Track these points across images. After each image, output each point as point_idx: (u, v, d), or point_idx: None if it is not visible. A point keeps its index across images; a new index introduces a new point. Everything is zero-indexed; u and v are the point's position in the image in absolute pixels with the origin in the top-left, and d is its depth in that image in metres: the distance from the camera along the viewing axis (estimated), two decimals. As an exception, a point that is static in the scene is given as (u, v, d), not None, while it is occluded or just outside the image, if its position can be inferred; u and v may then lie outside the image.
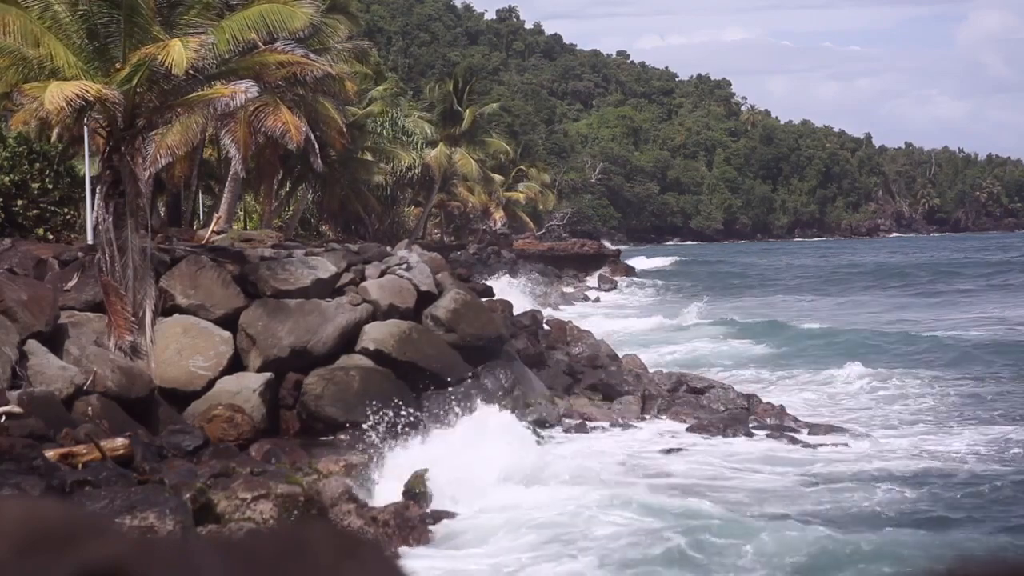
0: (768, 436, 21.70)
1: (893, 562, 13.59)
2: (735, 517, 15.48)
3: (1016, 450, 20.35)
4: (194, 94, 21.04)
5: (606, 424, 22.90)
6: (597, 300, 62.57)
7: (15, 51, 20.58)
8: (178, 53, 19.36)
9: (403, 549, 14.36)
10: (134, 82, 20.33)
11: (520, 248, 77.60)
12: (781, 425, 22.62)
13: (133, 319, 20.63)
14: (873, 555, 13.87)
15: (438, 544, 14.88)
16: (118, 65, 20.59)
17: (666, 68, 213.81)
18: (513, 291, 44.81)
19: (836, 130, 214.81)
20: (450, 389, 21.82)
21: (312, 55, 28.04)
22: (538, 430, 20.89)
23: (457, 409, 19.81)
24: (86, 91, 19.44)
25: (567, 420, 22.85)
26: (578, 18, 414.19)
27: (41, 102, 19.75)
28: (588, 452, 19.88)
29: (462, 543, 14.84)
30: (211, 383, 21.06)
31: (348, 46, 42.06)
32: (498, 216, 78.95)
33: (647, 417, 23.80)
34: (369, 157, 53.08)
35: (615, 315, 50.78)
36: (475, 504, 16.21)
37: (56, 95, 19.21)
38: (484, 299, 27.41)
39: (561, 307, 53.55)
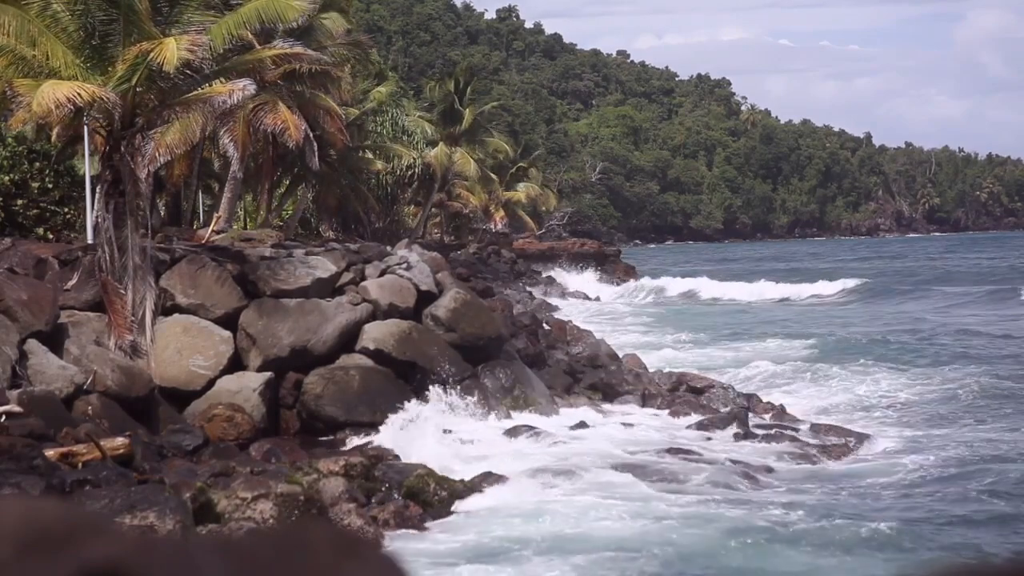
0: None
1: (895, 561, 13.59)
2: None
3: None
4: (192, 93, 21.05)
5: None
6: (598, 298, 62.61)
7: (13, 50, 20.56)
8: (170, 51, 19.39)
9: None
10: (133, 81, 20.33)
11: (520, 248, 77.57)
12: (782, 425, 22.62)
13: (133, 318, 20.63)
14: (877, 553, 13.88)
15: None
16: (118, 64, 20.58)
17: (666, 68, 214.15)
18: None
19: (836, 129, 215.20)
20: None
21: (308, 50, 28.17)
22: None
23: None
24: (78, 94, 19.40)
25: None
26: (574, 16, 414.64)
27: (30, 102, 19.75)
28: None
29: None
30: (211, 382, 21.05)
31: (347, 41, 42.09)
32: (498, 216, 78.94)
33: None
34: (369, 155, 53.13)
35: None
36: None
37: (47, 97, 19.16)
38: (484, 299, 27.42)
39: (557, 305, 53.56)
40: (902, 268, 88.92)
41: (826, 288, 63.09)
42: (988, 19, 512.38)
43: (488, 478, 17.18)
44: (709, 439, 21.45)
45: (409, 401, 21.06)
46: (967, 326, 41.20)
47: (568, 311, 48.07)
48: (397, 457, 18.29)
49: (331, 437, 20.76)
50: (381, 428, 20.39)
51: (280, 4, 22.38)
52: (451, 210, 73.59)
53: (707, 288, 65.52)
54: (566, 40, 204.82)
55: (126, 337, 20.40)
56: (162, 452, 17.87)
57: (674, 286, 67.40)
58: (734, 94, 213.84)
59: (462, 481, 16.92)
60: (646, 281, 70.68)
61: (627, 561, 13.60)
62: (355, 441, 20.16)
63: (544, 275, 69.34)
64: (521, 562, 13.82)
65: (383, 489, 16.75)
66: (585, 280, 70.64)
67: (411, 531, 15.42)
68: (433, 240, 65.97)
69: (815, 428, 22.23)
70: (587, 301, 60.92)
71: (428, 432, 19.79)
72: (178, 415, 20.13)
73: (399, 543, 14.37)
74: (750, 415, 23.31)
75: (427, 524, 15.71)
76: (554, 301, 56.36)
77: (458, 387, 21.72)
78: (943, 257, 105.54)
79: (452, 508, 16.24)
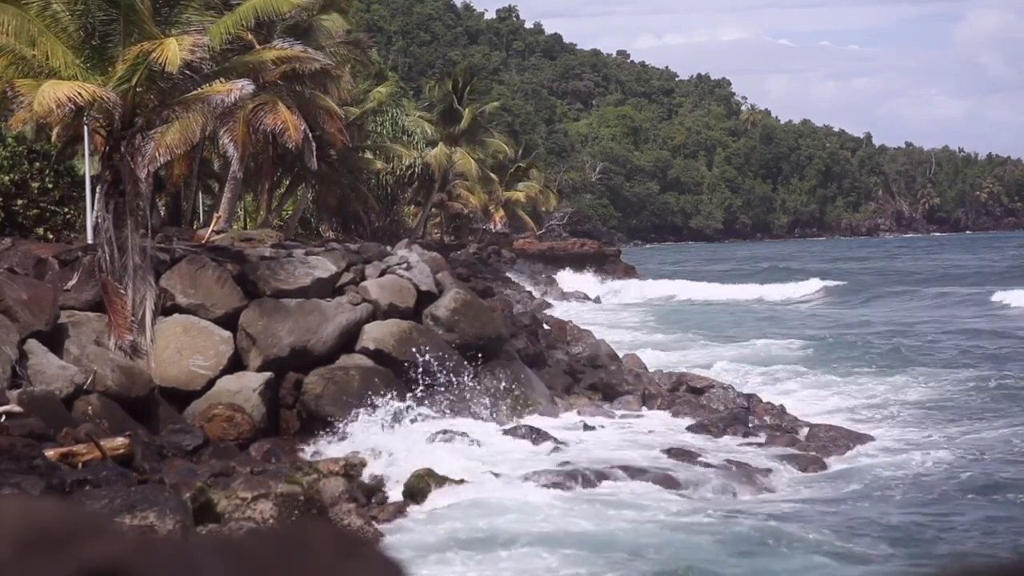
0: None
1: (897, 561, 13.60)
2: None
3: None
4: (191, 92, 21.04)
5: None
6: (597, 299, 62.59)
7: (14, 50, 20.56)
8: (172, 51, 19.39)
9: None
10: (133, 81, 20.33)
11: (520, 248, 77.57)
12: (782, 426, 22.59)
13: (133, 318, 20.63)
14: (879, 554, 13.89)
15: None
16: (118, 64, 20.58)
17: (666, 68, 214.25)
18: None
19: (836, 129, 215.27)
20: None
21: (309, 50, 28.17)
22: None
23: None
24: (79, 93, 19.39)
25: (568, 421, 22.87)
26: (574, 16, 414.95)
27: (31, 102, 19.74)
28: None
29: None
30: (211, 382, 21.04)
31: (347, 41, 42.08)
32: (498, 216, 78.93)
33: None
34: (369, 155, 53.12)
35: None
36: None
37: (47, 96, 19.15)
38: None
39: (556, 305, 53.60)
40: (901, 267, 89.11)
41: (824, 287, 63.15)
42: (988, 19, 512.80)
43: (487, 477, 17.19)
44: (709, 440, 21.44)
45: (409, 401, 21.05)
46: (965, 325, 41.25)
47: (568, 311, 48.11)
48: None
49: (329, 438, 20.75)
50: (382, 428, 20.39)
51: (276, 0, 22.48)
52: (451, 210, 73.56)
53: (703, 289, 65.54)
54: (566, 40, 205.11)
55: (126, 337, 20.40)
56: (162, 452, 17.87)
57: (669, 287, 67.48)
58: (734, 94, 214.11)
59: (461, 480, 16.93)
60: (640, 281, 70.89)
61: (624, 560, 13.60)
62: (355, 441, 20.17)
63: (544, 275, 69.36)
64: (512, 552, 13.84)
65: (383, 489, 16.76)
66: (585, 280, 70.67)
67: (402, 522, 15.53)
68: (433, 240, 65.94)
69: (815, 429, 22.20)
70: (587, 301, 60.95)
71: (428, 432, 19.80)
72: (178, 415, 20.12)
73: (390, 537, 14.42)
74: (750, 416, 23.30)
75: (420, 518, 15.75)
76: (553, 301, 56.40)
77: (458, 387, 21.71)
78: (941, 257, 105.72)
79: (448, 504, 16.26)
